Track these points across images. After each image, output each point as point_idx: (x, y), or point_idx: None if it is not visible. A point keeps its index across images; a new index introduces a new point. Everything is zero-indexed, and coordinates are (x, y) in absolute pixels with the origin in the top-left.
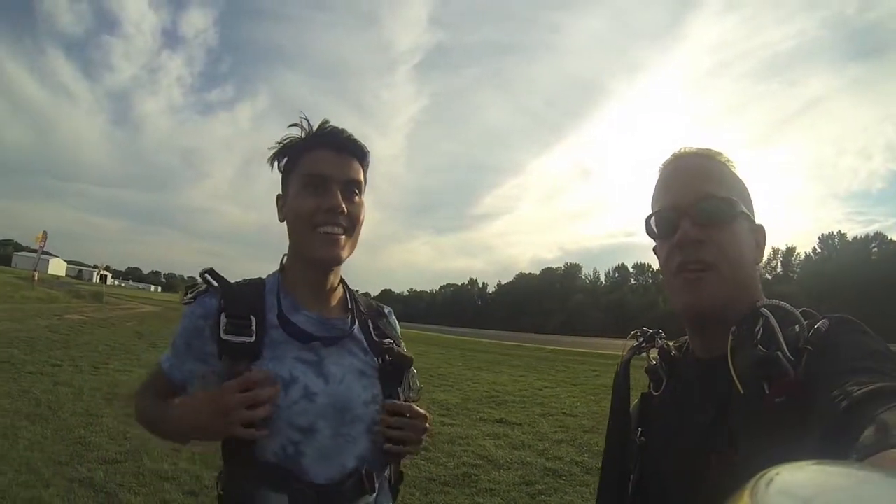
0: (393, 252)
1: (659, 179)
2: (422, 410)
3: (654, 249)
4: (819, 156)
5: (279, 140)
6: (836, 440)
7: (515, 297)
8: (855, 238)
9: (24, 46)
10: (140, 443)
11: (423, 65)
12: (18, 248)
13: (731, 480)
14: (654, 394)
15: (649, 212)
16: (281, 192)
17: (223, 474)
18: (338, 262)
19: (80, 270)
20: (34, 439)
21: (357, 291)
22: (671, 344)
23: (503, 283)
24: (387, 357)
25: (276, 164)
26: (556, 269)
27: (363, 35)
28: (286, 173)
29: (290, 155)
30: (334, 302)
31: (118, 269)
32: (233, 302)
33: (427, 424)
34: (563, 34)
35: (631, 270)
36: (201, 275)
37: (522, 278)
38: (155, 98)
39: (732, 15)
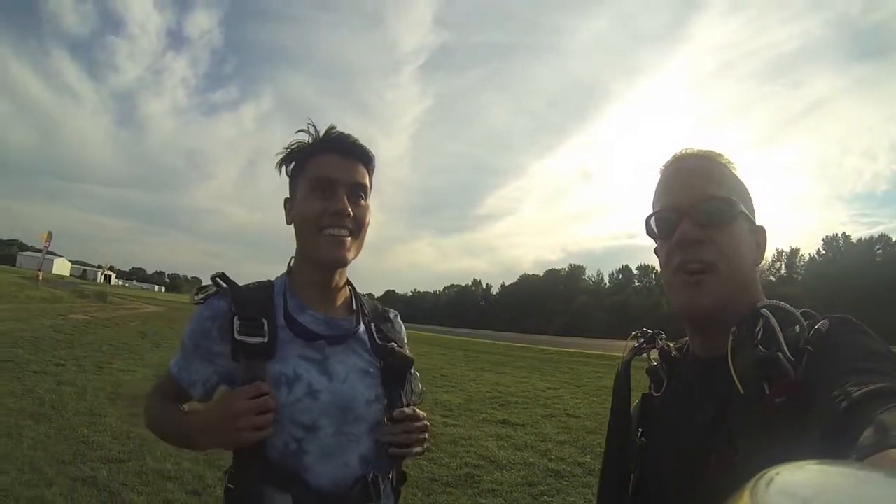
0: (397, 253)
1: (660, 180)
2: (420, 413)
3: (655, 250)
4: (823, 157)
5: (287, 145)
6: (835, 440)
7: (519, 299)
8: (859, 240)
9: (28, 47)
10: (143, 442)
11: (427, 65)
12: (23, 247)
13: (731, 480)
14: (655, 394)
15: (650, 213)
16: (288, 196)
17: (231, 469)
18: (343, 263)
19: (85, 270)
20: (38, 438)
21: (364, 296)
22: (672, 345)
23: (507, 284)
24: (389, 359)
25: (283, 168)
26: (559, 271)
27: (368, 36)
28: (294, 177)
29: (298, 160)
30: (340, 303)
31: (122, 269)
32: (243, 304)
33: (425, 423)
34: (567, 36)
35: (634, 272)
36: (212, 278)
37: (526, 279)
38: (159, 99)
39: (736, 16)
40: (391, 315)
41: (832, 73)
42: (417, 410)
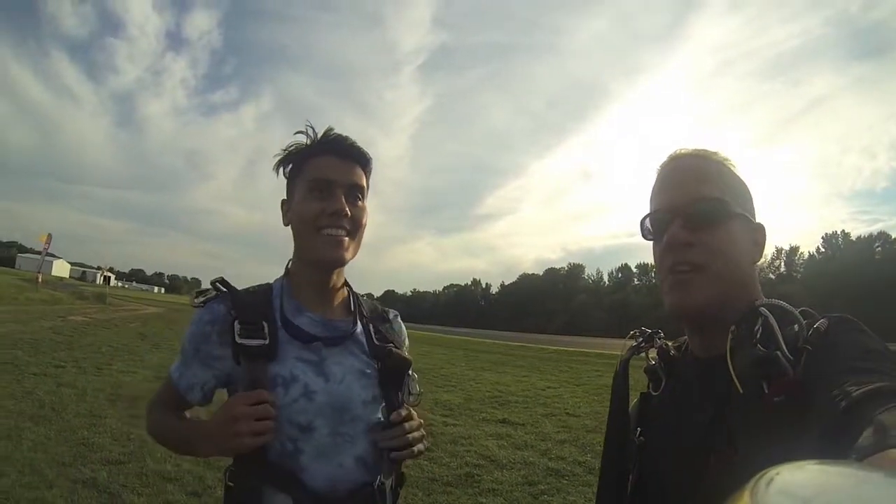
0: (397, 253)
1: (656, 180)
2: (416, 413)
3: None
4: (823, 155)
5: (285, 147)
6: (834, 440)
7: (519, 298)
8: (859, 237)
9: (28, 49)
10: (143, 444)
11: (426, 65)
12: (23, 249)
13: (730, 479)
14: (654, 393)
15: (645, 213)
16: (286, 198)
17: (231, 468)
18: (341, 263)
19: (84, 272)
20: (38, 440)
21: (363, 296)
22: (670, 344)
23: (506, 283)
24: (386, 360)
25: (281, 169)
26: (559, 270)
27: (367, 36)
28: (291, 179)
29: (296, 161)
30: (338, 304)
31: (122, 270)
32: (243, 308)
33: (422, 423)
34: (566, 35)
35: (634, 271)
36: (212, 283)
37: (526, 279)
38: (159, 100)
39: (735, 15)
40: (391, 315)
41: (832, 72)
42: (414, 411)
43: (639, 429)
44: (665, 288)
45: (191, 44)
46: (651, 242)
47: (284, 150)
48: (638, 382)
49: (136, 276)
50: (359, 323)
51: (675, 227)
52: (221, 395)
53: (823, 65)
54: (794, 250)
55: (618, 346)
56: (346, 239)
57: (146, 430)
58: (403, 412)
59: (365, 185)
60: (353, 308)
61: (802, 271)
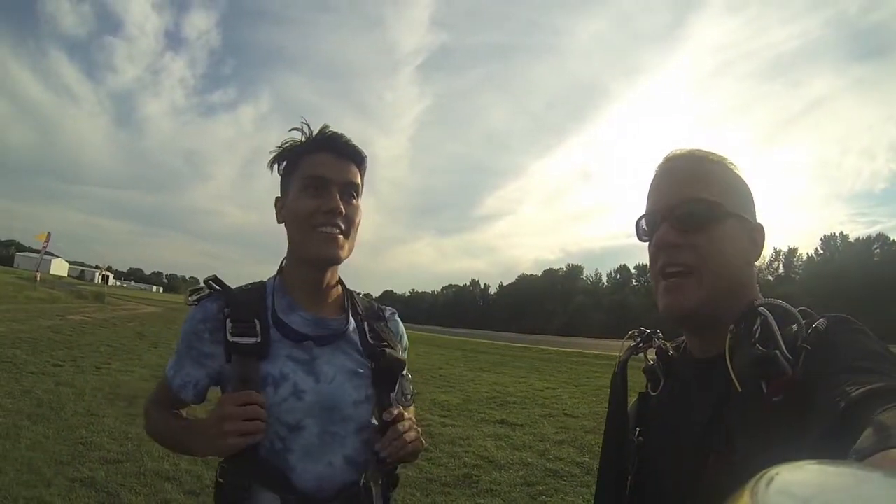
0: (396, 254)
1: (651, 182)
2: (408, 415)
3: None
4: (823, 156)
5: (279, 144)
6: (834, 440)
7: (517, 299)
8: (857, 239)
9: (27, 48)
10: (141, 443)
11: (426, 66)
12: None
13: (729, 479)
14: (652, 393)
15: (640, 215)
16: (280, 195)
17: (223, 464)
18: (336, 261)
19: (83, 271)
20: (36, 439)
21: (359, 294)
22: (669, 344)
23: (505, 284)
24: (380, 360)
25: (275, 167)
26: (557, 271)
27: (367, 36)
28: (286, 176)
29: (290, 158)
30: (332, 302)
31: (120, 269)
32: (236, 306)
33: (414, 424)
34: (566, 36)
35: (633, 271)
36: (205, 281)
37: (524, 279)
38: (158, 100)
39: (735, 16)
40: (387, 314)
41: (832, 73)
42: (406, 413)
43: (637, 429)
44: (658, 291)
45: (190, 44)
46: (646, 243)
47: (279, 147)
48: (637, 383)
49: (134, 275)
50: (352, 321)
51: (664, 229)
52: (216, 393)
53: (823, 66)
54: (792, 252)
55: (616, 347)
56: (341, 237)
57: (145, 430)
58: (395, 411)
59: (360, 183)
60: (347, 306)
61: (801, 273)
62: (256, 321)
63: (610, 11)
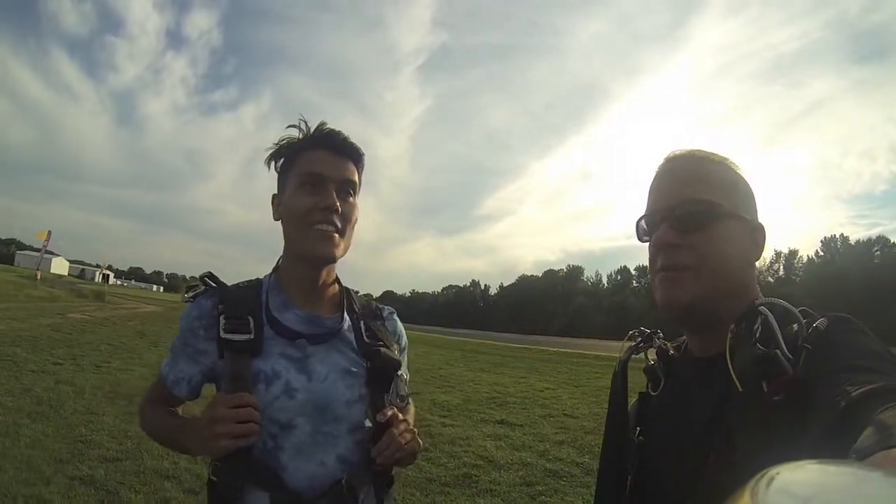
0: (396, 254)
1: (651, 182)
2: (403, 417)
3: None
4: (823, 158)
5: (277, 140)
6: (834, 439)
7: (517, 299)
8: (857, 241)
9: (28, 47)
10: (140, 441)
11: (426, 66)
12: (21, 246)
13: (729, 479)
14: (653, 393)
15: (640, 215)
16: (276, 192)
17: (216, 462)
18: (332, 259)
19: (83, 269)
20: (35, 437)
21: (357, 292)
22: (669, 344)
23: (505, 284)
24: (374, 360)
25: (273, 163)
26: (558, 271)
27: (367, 36)
28: (283, 173)
29: (287, 155)
30: (327, 300)
31: (121, 268)
32: (231, 303)
33: (409, 425)
34: (566, 36)
35: (633, 272)
36: (200, 278)
37: (524, 280)
38: (159, 99)
39: (735, 17)
40: (384, 313)
41: (832, 75)
42: (401, 414)
43: (638, 428)
44: (655, 285)
45: (191, 43)
46: (647, 244)
47: (276, 144)
48: (637, 383)
49: (134, 274)
50: (347, 319)
51: (663, 229)
52: (212, 390)
53: (823, 67)
54: (793, 254)
55: (616, 349)
56: (337, 235)
57: (140, 427)
58: (389, 412)
59: (357, 180)
60: (343, 305)
61: (801, 275)
62: (250, 318)
63: (610, 12)
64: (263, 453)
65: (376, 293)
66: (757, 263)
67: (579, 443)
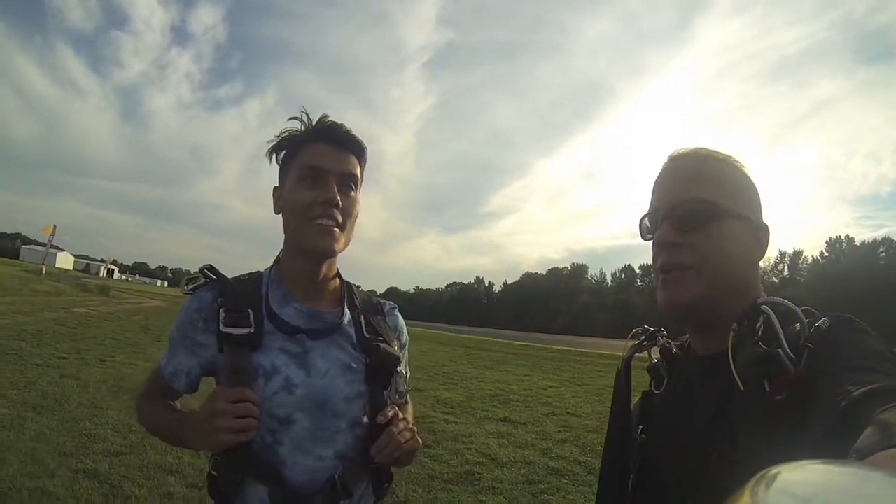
0: (401, 250)
1: (655, 180)
2: (402, 416)
3: None
4: (829, 158)
5: (278, 133)
6: (835, 439)
7: (522, 297)
8: (862, 242)
9: (33, 42)
10: (144, 435)
11: (432, 63)
12: (26, 241)
13: (731, 477)
14: (656, 392)
15: (643, 214)
16: (277, 185)
17: (216, 456)
18: (332, 253)
19: (88, 264)
20: (40, 430)
21: (359, 287)
22: (672, 342)
23: (509, 282)
24: (374, 356)
25: (274, 156)
26: (562, 270)
27: (373, 33)
28: (284, 165)
29: (289, 148)
30: (328, 295)
31: (125, 263)
32: (231, 296)
33: (408, 424)
34: (572, 34)
35: (637, 271)
36: (200, 270)
37: (529, 278)
38: (164, 94)
39: (741, 17)
40: (386, 308)
41: (838, 75)
42: (401, 413)
43: (641, 426)
44: (657, 285)
45: (196, 38)
46: (650, 242)
47: (278, 137)
48: (641, 382)
49: (139, 269)
50: (347, 314)
51: (665, 228)
52: (210, 385)
53: (829, 68)
54: (797, 254)
55: (620, 347)
56: (337, 230)
57: (138, 421)
58: (390, 412)
59: (359, 174)
60: (343, 300)
61: (806, 275)
62: (250, 311)
63: (616, 11)
64: (262, 448)
65: (380, 289)
66: (760, 263)
67: (582, 441)
